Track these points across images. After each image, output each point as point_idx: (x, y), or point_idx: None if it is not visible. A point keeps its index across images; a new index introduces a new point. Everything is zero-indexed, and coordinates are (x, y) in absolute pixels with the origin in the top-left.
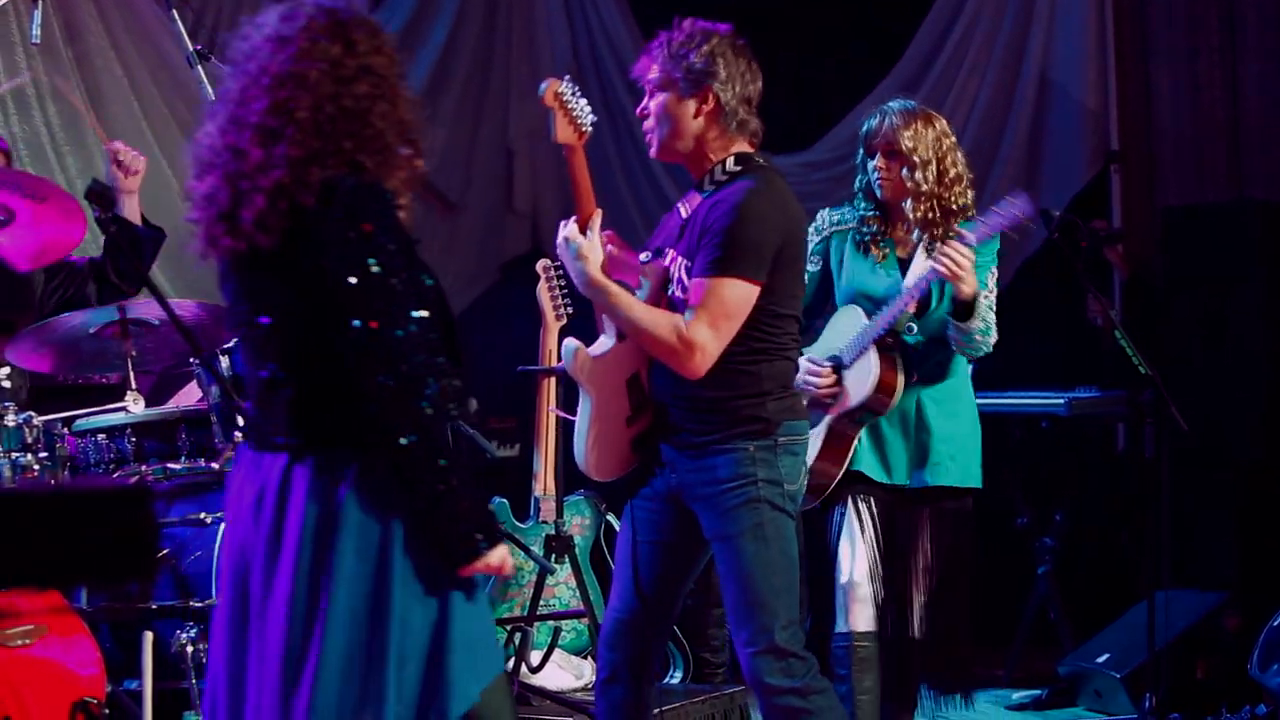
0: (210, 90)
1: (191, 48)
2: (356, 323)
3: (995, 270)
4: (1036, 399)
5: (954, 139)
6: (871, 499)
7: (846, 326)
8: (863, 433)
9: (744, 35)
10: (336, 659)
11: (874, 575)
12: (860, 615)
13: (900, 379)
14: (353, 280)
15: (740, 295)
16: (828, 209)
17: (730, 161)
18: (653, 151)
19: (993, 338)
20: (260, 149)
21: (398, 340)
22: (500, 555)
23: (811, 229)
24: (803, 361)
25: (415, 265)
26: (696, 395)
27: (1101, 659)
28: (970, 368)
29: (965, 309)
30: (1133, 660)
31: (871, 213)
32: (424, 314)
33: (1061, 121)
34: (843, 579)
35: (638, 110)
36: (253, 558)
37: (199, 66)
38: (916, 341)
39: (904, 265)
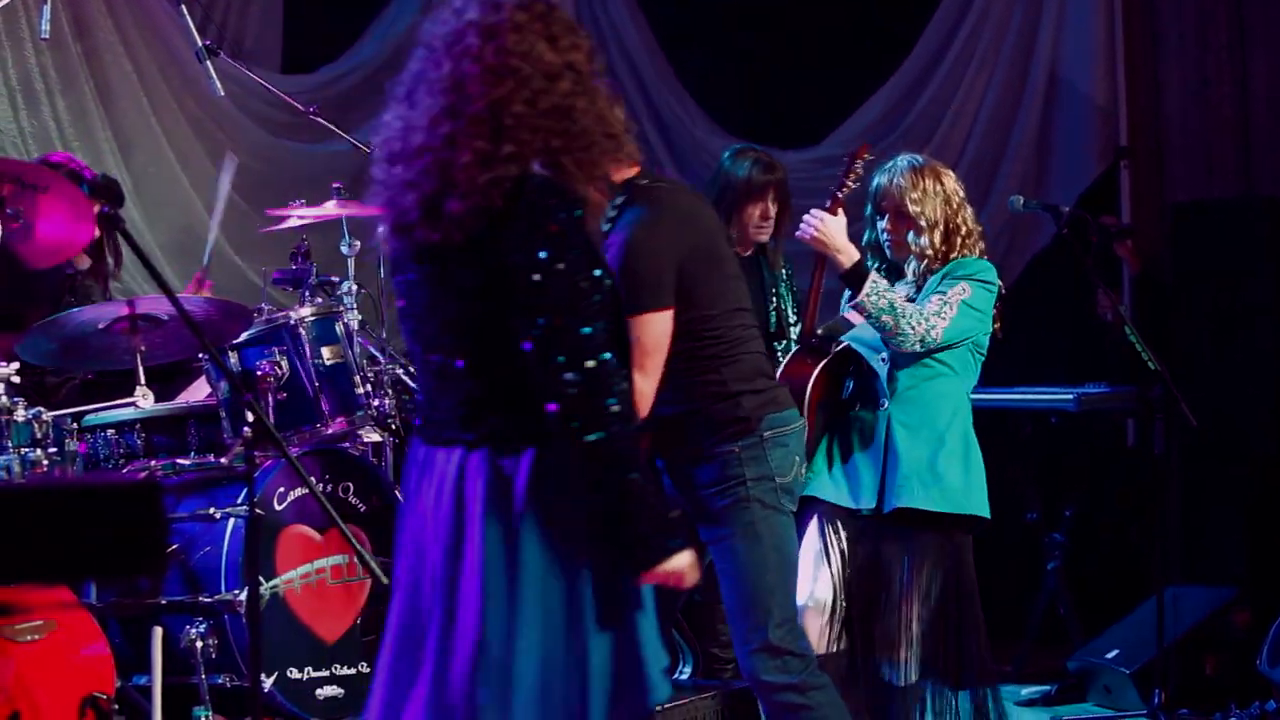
0: (218, 85)
1: (200, 43)
2: (542, 320)
3: (967, 287)
4: (1046, 395)
5: (963, 194)
6: (838, 521)
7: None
8: (835, 460)
9: (752, 31)
10: (534, 661)
11: (837, 598)
12: (814, 637)
13: (813, 378)
14: (537, 278)
15: (654, 329)
16: None
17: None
18: None
19: (914, 325)
20: (483, 141)
21: (584, 338)
22: (686, 561)
23: None
24: None
25: (598, 265)
26: (672, 415)
27: (1111, 655)
28: (963, 397)
29: (850, 279)
30: (1142, 656)
31: (880, 270)
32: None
33: (1070, 117)
34: (800, 599)
35: None
36: (432, 556)
37: (208, 62)
38: (885, 369)
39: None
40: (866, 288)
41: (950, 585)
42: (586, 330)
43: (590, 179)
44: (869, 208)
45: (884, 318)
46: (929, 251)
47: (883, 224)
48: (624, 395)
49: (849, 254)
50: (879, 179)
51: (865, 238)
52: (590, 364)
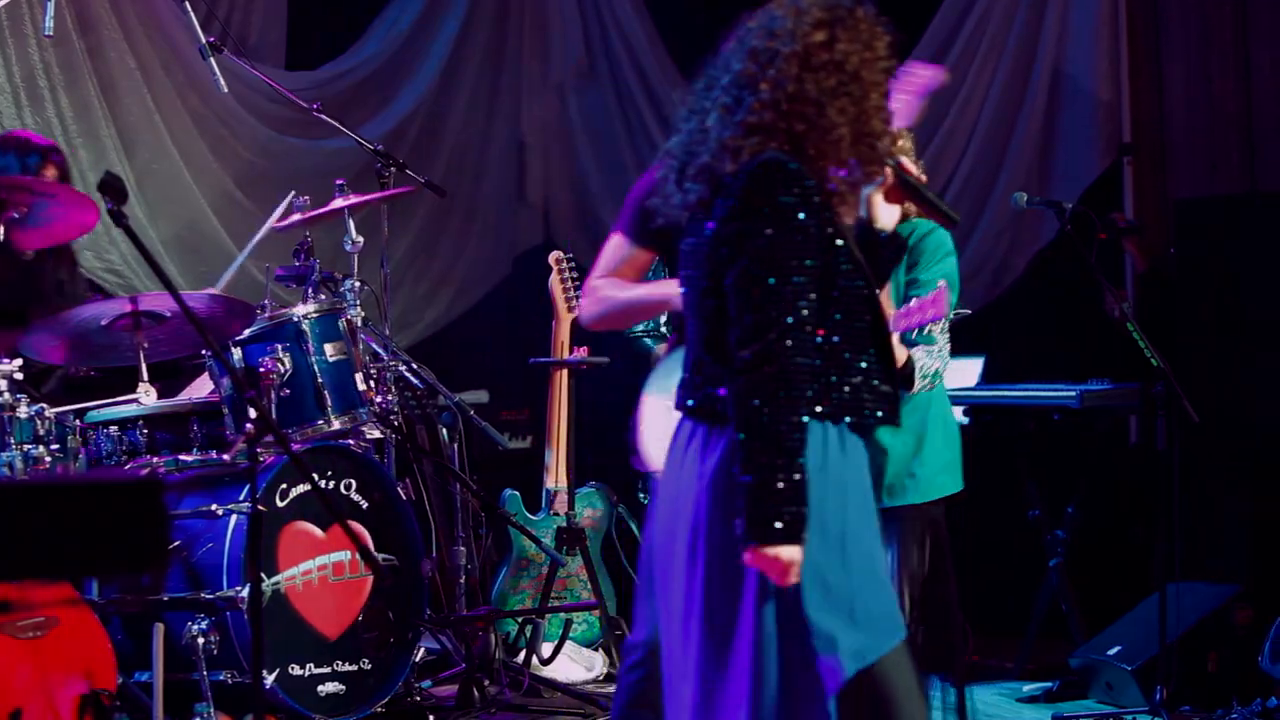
0: (222, 82)
1: (204, 40)
2: (736, 300)
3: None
4: (1048, 392)
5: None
6: None
7: None
8: None
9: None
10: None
11: None
12: None
13: None
14: (743, 263)
15: None
16: None
17: None
18: None
19: (938, 365)
20: (722, 113)
21: (770, 338)
22: (787, 555)
23: None
24: None
25: (812, 255)
26: None
27: (1113, 651)
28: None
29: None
30: (1144, 653)
31: None
32: (805, 313)
33: (1074, 114)
34: None
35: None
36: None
37: (211, 58)
38: None
39: None
40: (917, 381)
41: (926, 557)
42: (771, 336)
43: (823, 174)
44: None
45: (924, 383)
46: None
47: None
48: (784, 402)
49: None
50: None
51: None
52: (760, 345)
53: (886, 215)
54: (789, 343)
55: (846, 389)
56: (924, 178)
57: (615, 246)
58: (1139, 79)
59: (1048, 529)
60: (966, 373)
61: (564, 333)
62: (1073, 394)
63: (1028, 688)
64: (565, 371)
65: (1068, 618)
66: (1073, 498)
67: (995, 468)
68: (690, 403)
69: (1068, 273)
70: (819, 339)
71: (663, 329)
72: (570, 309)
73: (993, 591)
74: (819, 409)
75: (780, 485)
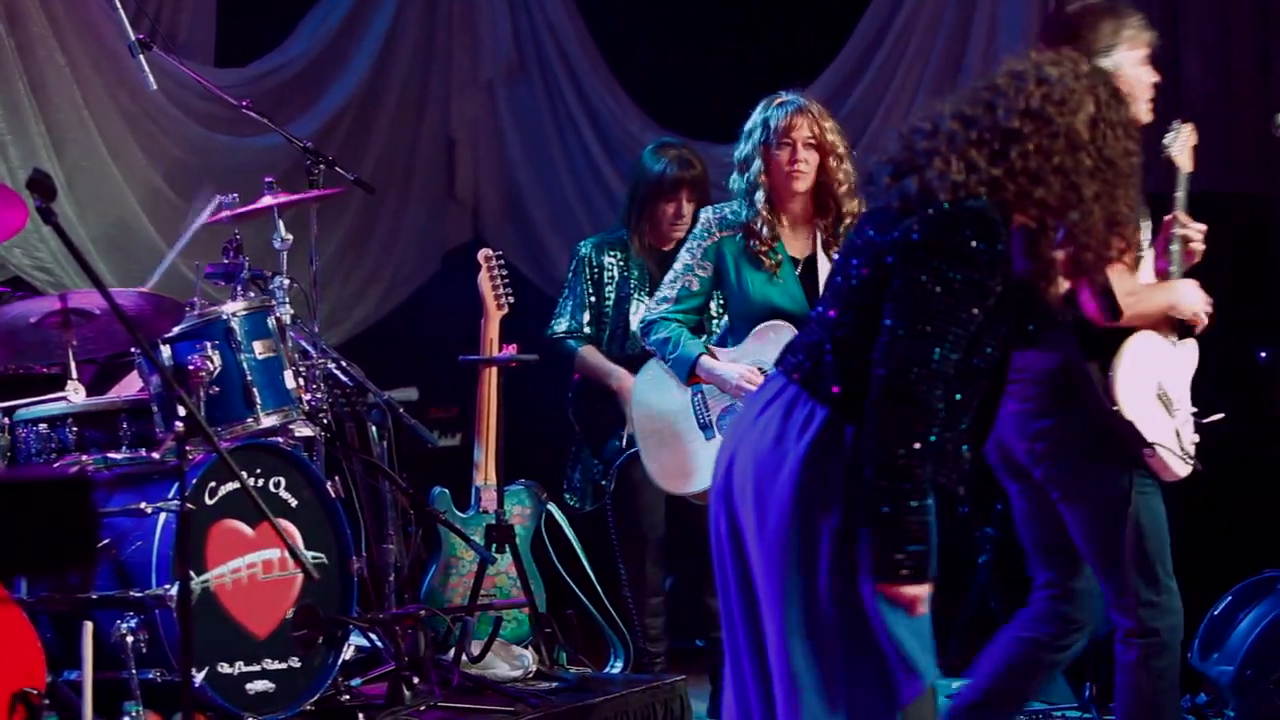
0: (151, 80)
1: (133, 37)
2: (889, 322)
3: None
4: None
5: None
6: None
7: (777, 340)
8: None
9: (686, 25)
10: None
11: None
12: None
13: None
14: (912, 286)
15: None
16: (709, 209)
17: None
18: None
19: None
20: (972, 151)
21: (915, 372)
22: (916, 592)
23: (699, 230)
24: (740, 368)
25: (991, 329)
26: None
27: None
28: None
29: None
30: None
31: (766, 213)
32: (950, 360)
33: None
34: None
35: None
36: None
37: (141, 56)
38: None
39: (799, 266)
40: None
41: None
42: (914, 371)
43: (1051, 246)
44: (750, 147)
45: None
46: (848, 183)
47: (787, 156)
48: (914, 445)
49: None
50: (776, 114)
51: (739, 182)
52: (901, 376)
53: (1060, 286)
54: (928, 384)
55: (947, 447)
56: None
57: None
58: None
59: (977, 526)
60: None
61: (493, 330)
62: None
63: (957, 684)
64: (494, 369)
65: (997, 614)
66: (1002, 495)
67: None
68: (797, 374)
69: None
70: (948, 391)
71: (586, 329)
72: (499, 306)
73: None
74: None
75: (908, 523)
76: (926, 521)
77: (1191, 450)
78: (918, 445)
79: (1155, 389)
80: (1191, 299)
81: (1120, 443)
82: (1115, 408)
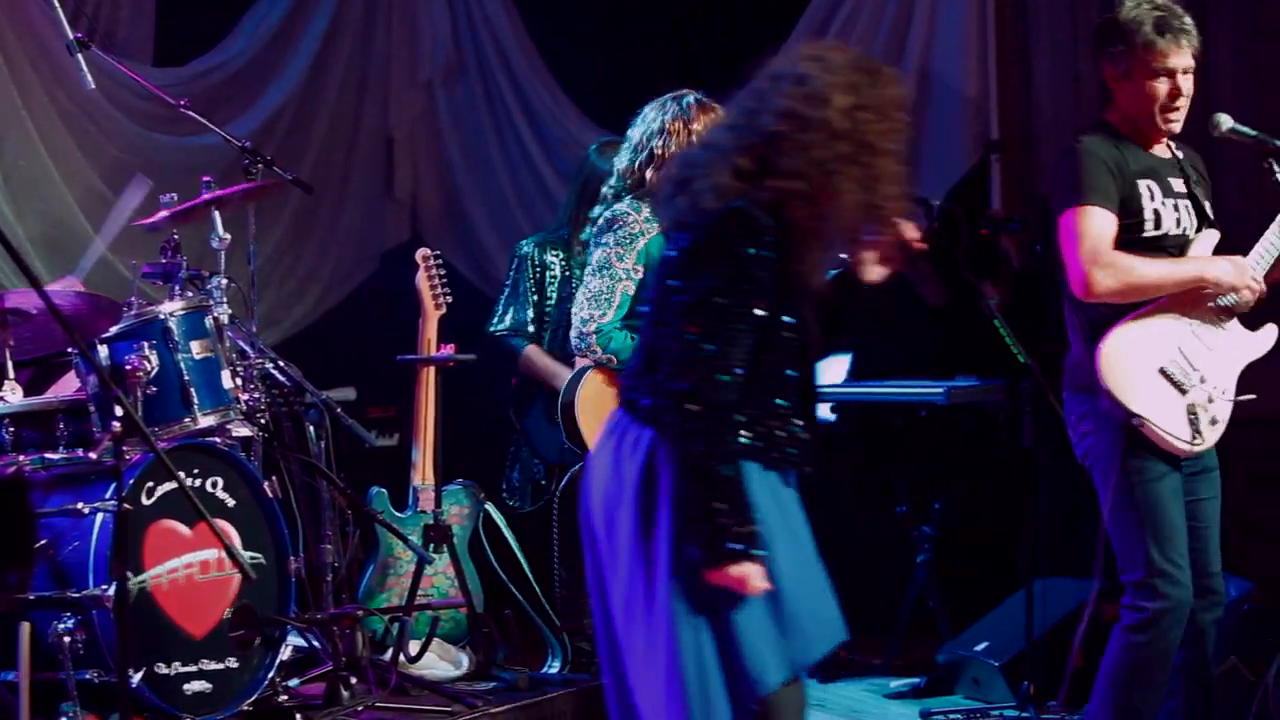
0: (89, 78)
1: (71, 36)
2: (673, 331)
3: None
4: (915, 388)
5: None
6: None
7: None
8: None
9: (624, 25)
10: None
11: None
12: None
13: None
14: (689, 298)
15: None
16: (628, 201)
17: None
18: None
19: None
20: (737, 157)
21: (699, 375)
22: (745, 571)
23: (622, 233)
24: None
25: (781, 318)
26: None
27: (980, 647)
28: None
29: None
30: (1011, 648)
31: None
32: (737, 357)
33: (941, 111)
34: None
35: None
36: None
37: (79, 55)
38: None
39: None
40: None
41: None
42: (710, 348)
43: (823, 241)
44: (659, 147)
45: None
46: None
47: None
48: (711, 437)
49: None
50: (686, 111)
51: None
52: (689, 381)
53: (874, 272)
54: (717, 381)
55: (775, 432)
56: (925, 246)
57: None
58: (1007, 77)
59: (915, 525)
60: (834, 369)
61: (431, 330)
62: (940, 390)
63: (895, 683)
64: (432, 369)
65: (935, 614)
66: (940, 493)
67: (863, 464)
68: (624, 400)
69: (936, 270)
70: (746, 382)
71: (529, 328)
72: (437, 306)
73: (860, 587)
74: (745, 445)
75: (722, 512)
76: (741, 505)
77: (1209, 427)
78: (717, 443)
79: (1159, 366)
80: (1223, 274)
81: (1123, 425)
82: (1102, 383)
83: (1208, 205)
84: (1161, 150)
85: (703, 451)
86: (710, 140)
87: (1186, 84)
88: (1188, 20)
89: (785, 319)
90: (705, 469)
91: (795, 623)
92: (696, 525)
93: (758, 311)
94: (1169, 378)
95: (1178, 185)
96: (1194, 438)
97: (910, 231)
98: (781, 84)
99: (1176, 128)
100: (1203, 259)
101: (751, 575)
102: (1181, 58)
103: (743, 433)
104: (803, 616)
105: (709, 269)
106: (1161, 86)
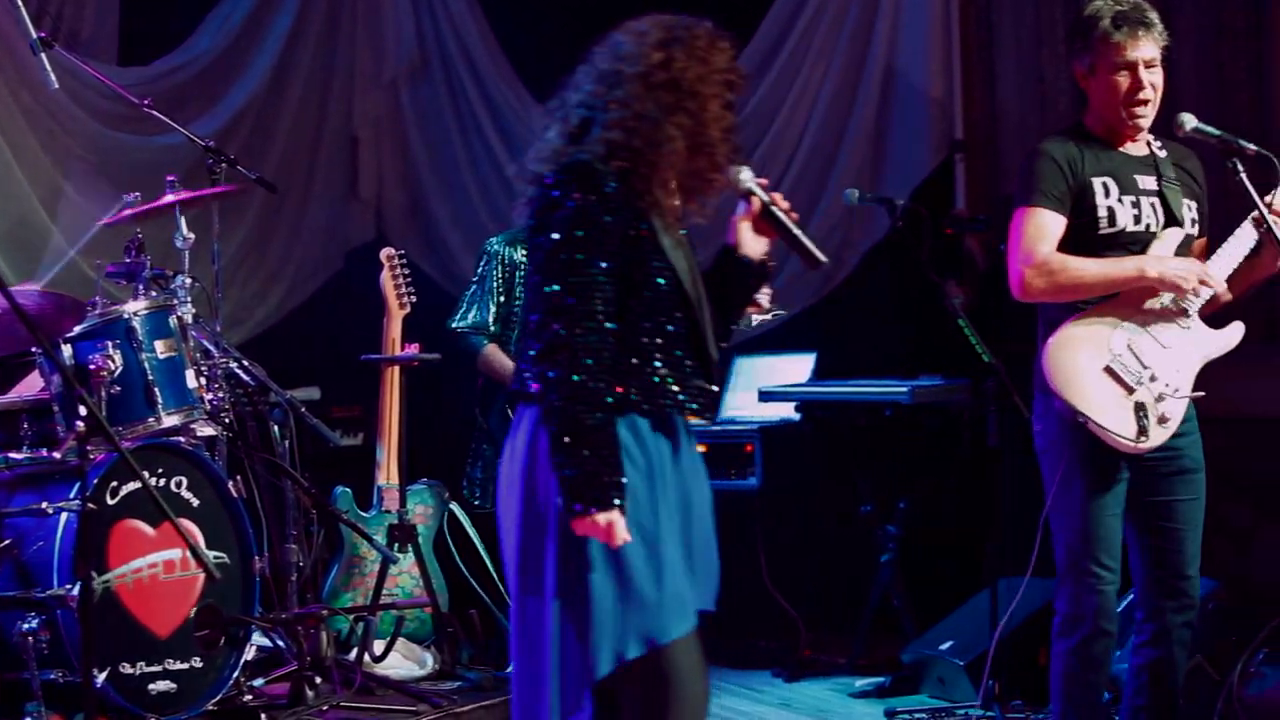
0: (53, 78)
1: (35, 35)
2: (533, 296)
3: None
4: (880, 387)
5: None
6: None
7: None
8: None
9: (588, 21)
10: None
11: None
12: None
13: None
14: (538, 252)
15: None
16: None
17: None
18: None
19: None
20: (569, 130)
21: (556, 329)
22: (606, 520)
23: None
24: None
25: (644, 267)
26: None
27: (944, 646)
28: None
29: None
30: (976, 647)
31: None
32: (599, 308)
33: (906, 110)
34: None
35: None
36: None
37: (42, 54)
38: None
39: None
40: None
41: None
42: (570, 301)
43: (667, 186)
44: None
45: None
46: None
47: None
48: (579, 365)
49: None
50: None
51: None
52: (549, 336)
53: (751, 244)
54: (578, 333)
55: (653, 380)
56: (795, 214)
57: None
58: (971, 76)
59: (879, 524)
60: (798, 369)
61: (395, 329)
62: (904, 390)
63: (860, 683)
64: (397, 368)
65: (900, 613)
66: (904, 493)
67: (827, 464)
68: (513, 385)
69: (900, 269)
70: (616, 333)
71: (491, 327)
72: (401, 305)
73: (825, 586)
74: (618, 397)
75: (589, 460)
76: (606, 455)
77: (1157, 426)
78: (583, 392)
79: (1105, 363)
80: (1166, 272)
81: (1071, 424)
82: (1049, 381)
83: (1186, 205)
84: (1136, 148)
85: (568, 400)
86: (550, 113)
87: (1150, 77)
88: (1151, 14)
89: (653, 271)
90: (571, 417)
91: (646, 602)
92: (564, 474)
93: (602, 264)
94: (1115, 376)
95: (1146, 183)
96: (1139, 436)
97: (779, 201)
98: (601, 52)
99: (1144, 122)
100: (1147, 257)
101: (618, 525)
102: (1141, 50)
103: (617, 387)
104: (655, 596)
105: (554, 224)
106: (1122, 80)
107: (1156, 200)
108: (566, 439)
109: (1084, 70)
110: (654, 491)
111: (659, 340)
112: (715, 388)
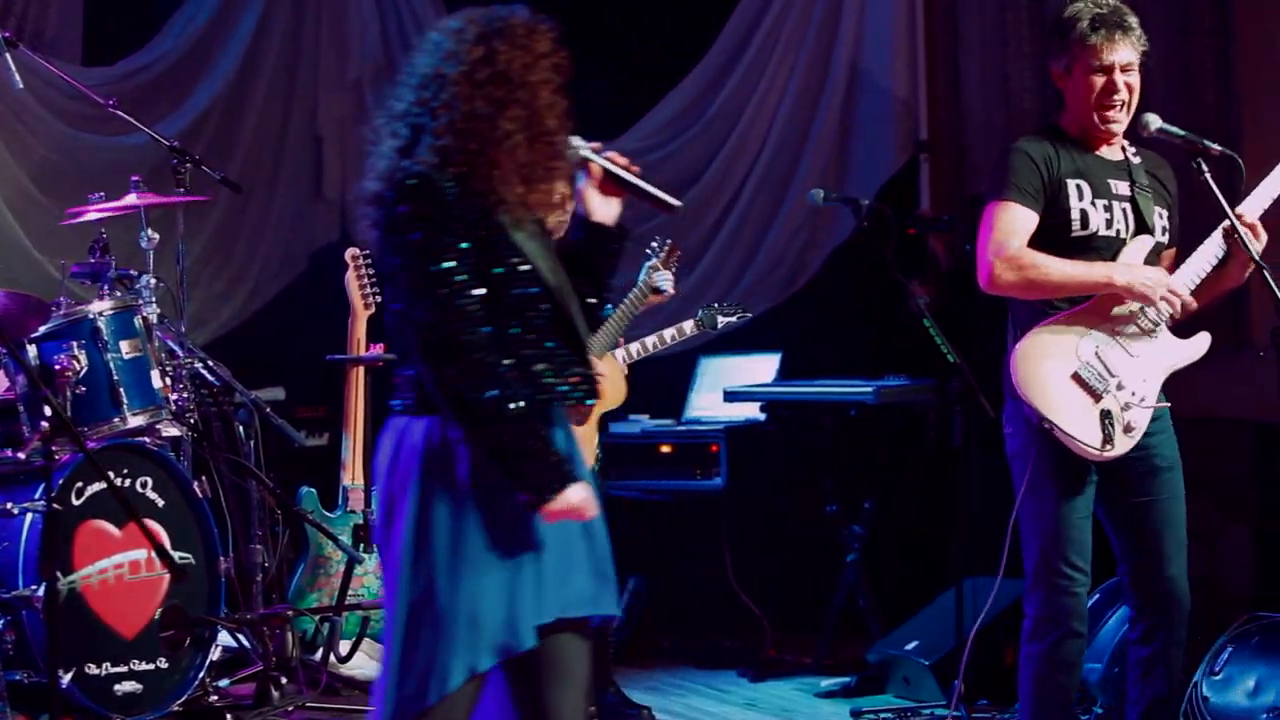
0: (17, 78)
1: (0, 34)
2: (403, 307)
3: None
4: (845, 387)
5: None
6: None
7: None
8: None
9: (558, 21)
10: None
11: None
12: None
13: None
14: (401, 262)
15: None
16: None
17: None
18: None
19: None
20: (399, 141)
21: (444, 329)
22: (578, 494)
23: None
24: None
25: (503, 265)
26: None
27: (910, 646)
28: None
29: None
30: (941, 647)
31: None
32: (472, 308)
33: (871, 110)
34: None
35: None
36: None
37: (6, 54)
38: None
39: None
40: None
41: None
42: (455, 303)
43: (511, 182)
44: None
45: None
46: None
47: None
48: (466, 367)
49: None
50: None
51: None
52: (431, 346)
53: (603, 209)
54: (464, 340)
55: (531, 376)
56: (635, 168)
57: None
58: (936, 76)
59: (844, 524)
60: (763, 369)
61: (360, 329)
62: (869, 390)
63: (826, 683)
64: (362, 368)
65: (865, 613)
66: (869, 493)
67: (792, 464)
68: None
69: (865, 269)
70: (491, 336)
71: None
72: (366, 305)
73: (790, 587)
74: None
75: (533, 448)
76: (535, 431)
77: (1122, 435)
78: (495, 383)
79: (1072, 370)
80: (1134, 281)
81: (1037, 428)
82: (1016, 385)
83: (1157, 213)
84: (1111, 152)
85: (489, 402)
86: (378, 128)
87: (1124, 81)
88: (1130, 19)
89: (511, 268)
90: (495, 412)
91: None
92: (519, 469)
93: (460, 275)
94: (1082, 383)
95: (1119, 187)
96: (1104, 445)
97: (617, 158)
98: (419, 56)
99: (1116, 127)
100: (1118, 264)
101: (585, 498)
102: (1117, 54)
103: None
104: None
105: (404, 245)
106: (1097, 82)
107: (1128, 206)
108: (505, 437)
109: (1060, 71)
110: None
111: (530, 336)
112: (594, 371)
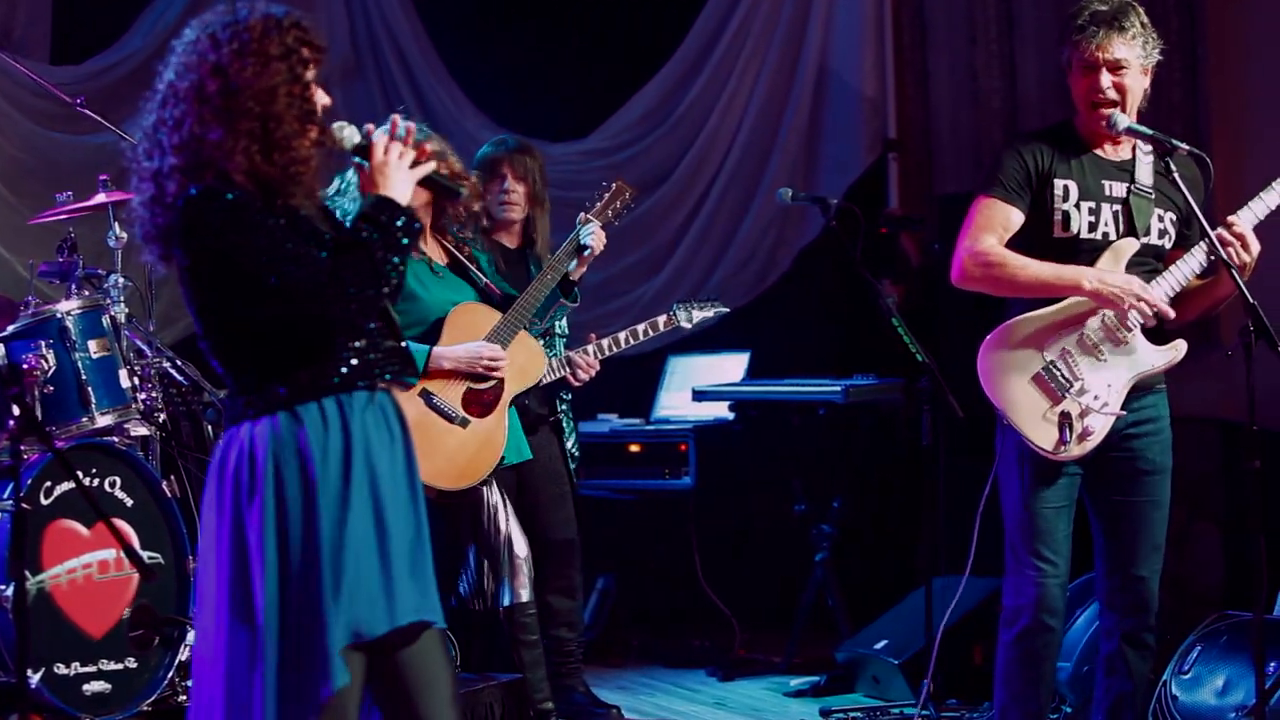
0: None
1: None
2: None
3: None
4: (813, 387)
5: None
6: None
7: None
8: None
9: (522, 23)
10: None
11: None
12: (528, 587)
13: None
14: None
15: None
16: None
17: None
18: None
19: None
20: (151, 156)
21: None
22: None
23: None
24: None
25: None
26: None
27: (879, 645)
28: None
29: None
30: (910, 646)
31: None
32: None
33: (839, 110)
34: (521, 553)
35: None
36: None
37: None
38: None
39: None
40: None
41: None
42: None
43: (258, 181)
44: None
45: None
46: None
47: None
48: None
49: None
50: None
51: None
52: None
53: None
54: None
55: (345, 358)
56: (424, 150)
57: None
58: (904, 75)
59: (813, 523)
60: (732, 368)
61: None
62: (838, 389)
63: (795, 682)
64: None
65: (834, 612)
66: (838, 492)
67: (761, 463)
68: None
69: (834, 268)
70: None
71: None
72: None
73: (759, 586)
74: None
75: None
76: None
77: (1076, 439)
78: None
79: (1035, 370)
80: (1103, 287)
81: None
82: (980, 380)
83: (1155, 215)
84: (1116, 151)
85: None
86: (136, 145)
87: (1113, 80)
88: (1128, 19)
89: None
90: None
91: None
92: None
93: (271, 277)
94: (1044, 383)
95: (1114, 189)
96: (1058, 446)
97: (391, 146)
98: (164, 66)
99: (1106, 126)
100: (1088, 269)
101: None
102: (1109, 52)
103: (303, 375)
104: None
105: (200, 257)
106: (1087, 79)
107: (1120, 208)
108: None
109: (1064, 66)
110: (349, 489)
111: (354, 330)
112: (404, 343)
